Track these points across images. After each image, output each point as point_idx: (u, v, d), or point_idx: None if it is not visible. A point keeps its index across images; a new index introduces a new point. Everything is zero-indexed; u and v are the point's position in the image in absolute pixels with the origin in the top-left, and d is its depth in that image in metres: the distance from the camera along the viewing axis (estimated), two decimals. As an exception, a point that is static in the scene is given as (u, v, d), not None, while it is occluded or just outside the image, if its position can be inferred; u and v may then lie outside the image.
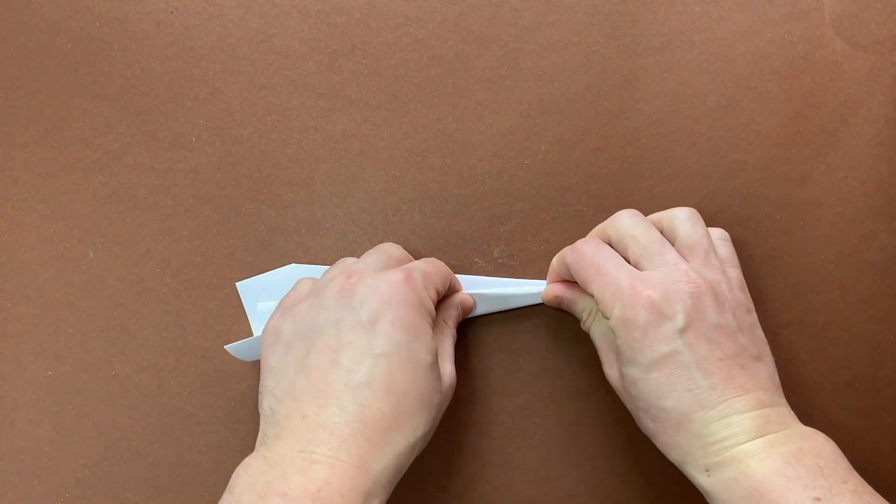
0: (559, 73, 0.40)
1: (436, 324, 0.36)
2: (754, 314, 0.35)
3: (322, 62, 0.40)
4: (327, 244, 0.41)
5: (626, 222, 0.36)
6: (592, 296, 0.35)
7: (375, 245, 0.41)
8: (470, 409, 0.41)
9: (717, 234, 0.37)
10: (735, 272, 0.36)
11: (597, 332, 0.38)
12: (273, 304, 0.40)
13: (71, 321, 0.41)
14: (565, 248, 0.38)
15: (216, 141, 0.41)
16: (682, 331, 0.32)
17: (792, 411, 0.33)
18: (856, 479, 0.30)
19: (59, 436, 0.41)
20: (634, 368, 0.33)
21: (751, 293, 0.41)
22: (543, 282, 0.40)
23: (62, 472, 0.41)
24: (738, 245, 0.40)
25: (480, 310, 0.40)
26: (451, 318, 0.38)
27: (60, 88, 0.41)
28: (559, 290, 0.39)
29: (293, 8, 0.40)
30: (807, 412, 0.41)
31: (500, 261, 0.41)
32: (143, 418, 0.41)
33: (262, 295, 0.40)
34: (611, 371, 0.37)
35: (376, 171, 0.41)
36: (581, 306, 0.38)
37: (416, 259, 0.40)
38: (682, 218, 0.36)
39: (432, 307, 0.35)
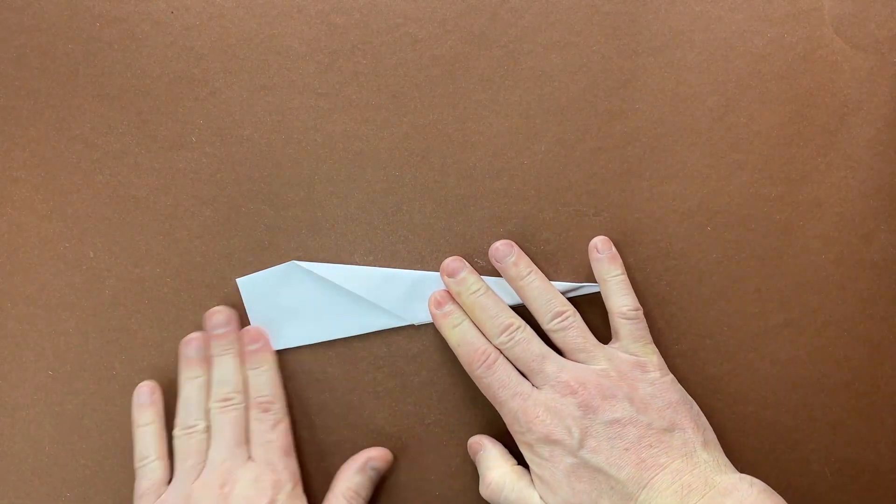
0: (559, 73, 0.40)
1: (331, 500, 0.38)
2: (662, 378, 0.36)
3: (322, 62, 0.40)
4: (327, 244, 0.41)
5: (506, 343, 0.37)
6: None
7: (375, 245, 0.41)
8: (470, 409, 0.41)
9: (627, 304, 0.38)
10: (638, 346, 0.37)
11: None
12: (272, 306, 0.40)
13: (71, 321, 0.41)
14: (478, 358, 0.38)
15: (216, 141, 0.41)
16: (581, 443, 0.34)
17: (717, 459, 0.34)
18: None
19: (60, 436, 0.41)
20: (560, 487, 0.34)
21: (751, 293, 0.41)
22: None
23: (62, 472, 0.41)
24: (739, 245, 0.40)
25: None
26: (349, 487, 0.39)
27: (60, 88, 0.41)
28: (484, 441, 0.40)
29: (293, 8, 0.40)
30: (807, 412, 0.41)
31: (500, 261, 0.41)
32: (143, 418, 0.41)
33: (262, 291, 0.40)
34: None
35: (376, 171, 0.41)
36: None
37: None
38: (564, 326, 0.37)
39: (300, 494, 0.38)
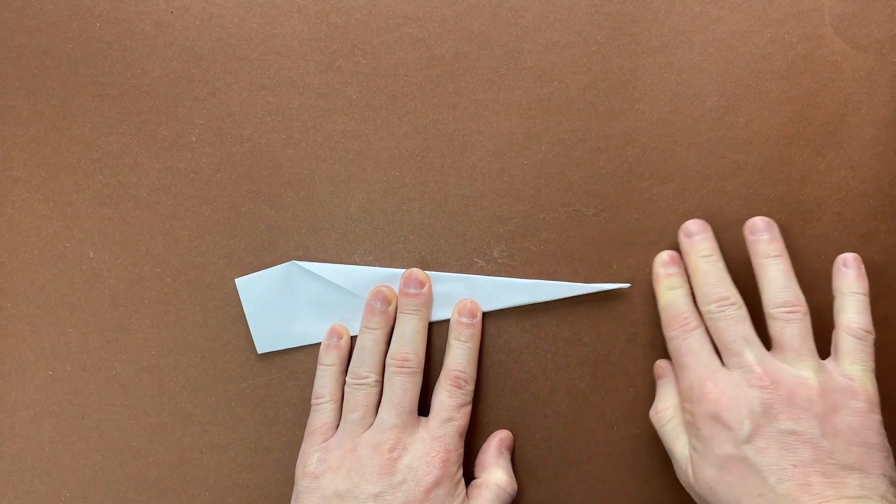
0: (559, 73, 0.40)
1: (483, 491, 0.38)
2: (870, 413, 0.33)
3: (322, 62, 0.40)
4: (327, 244, 0.41)
5: (716, 312, 0.36)
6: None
7: (375, 245, 0.41)
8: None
9: (861, 322, 0.36)
10: (858, 369, 0.35)
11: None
12: (272, 306, 0.40)
13: (71, 321, 0.41)
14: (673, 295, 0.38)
15: (216, 141, 0.41)
16: (749, 438, 0.32)
17: None
18: None
19: (59, 436, 0.41)
20: (708, 468, 0.34)
21: (751, 293, 0.40)
22: (541, 281, 0.40)
23: (62, 472, 0.41)
24: (739, 245, 0.40)
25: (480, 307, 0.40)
26: (502, 477, 0.39)
27: (60, 88, 0.41)
28: (666, 366, 0.39)
29: (293, 8, 0.40)
30: (807, 412, 0.41)
31: (500, 261, 0.41)
32: (143, 418, 0.41)
33: (260, 292, 0.40)
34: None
35: (376, 171, 0.41)
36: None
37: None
38: (789, 319, 0.35)
39: (460, 480, 0.38)
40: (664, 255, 0.39)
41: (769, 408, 0.33)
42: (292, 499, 0.38)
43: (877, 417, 0.34)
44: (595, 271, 0.40)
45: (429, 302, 0.40)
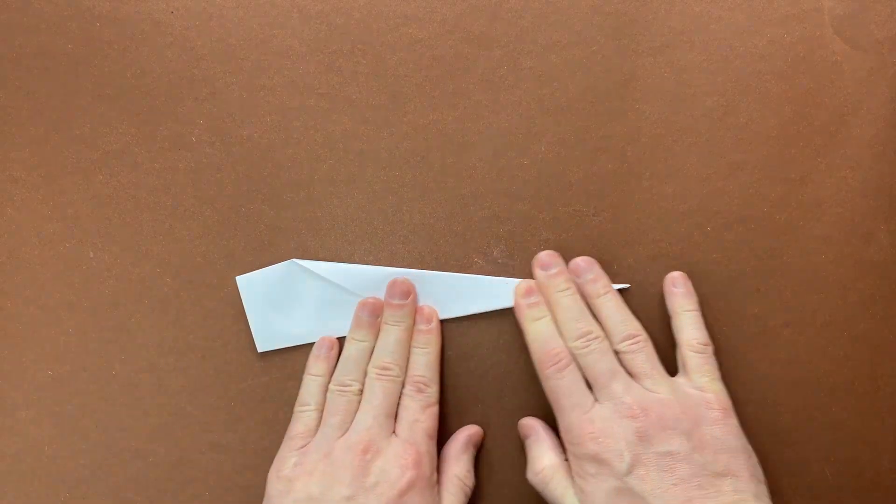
0: (559, 73, 0.40)
1: (444, 483, 0.38)
2: (727, 420, 0.35)
3: (322, 62, 0.40)
4: (327, 244, 0.41)
5: (581, 348, 0.37)
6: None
7: (375, 245, 0.41)
8: (470, 409, 0.41)
9: (699, 337, 0.38)
10: (706, 380, 0.37)
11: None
12: (272, 305, 0.40)
13: (71, 321, 0.41)
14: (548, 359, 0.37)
15: (216, 141, 0.41)
16: (630, 469, 0.34)
17: None
18: None
19: (59, 436, 0.41)
20: None
21: (751, 293, 0.41)
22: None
23: (62, 472, 0.41)
24: (739, 245, 0.40)
25: (480, 307, 0.40)
26: (462, 469, 0.39)
27: (60, 88, 0.41)
28: (536, 424, 0.40)
29: (293, 8, 0.40)
30: (807, 412, 0.41)
31: (500, 261, 0.41)
32: (143, 418, 0.41)
33: (261, 290, 0.40)
34: None
35: (376, 171, 0.41)
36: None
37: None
38: (634, 349, 0.37)
39: (435, 482, 0.38)
40: (523, 285, 0.39)
41: (643, 435, 0.34)
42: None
43: (733, 422, 0.36)
44: (595, 271, 0.40)
45: (413, 312, 0.40)
